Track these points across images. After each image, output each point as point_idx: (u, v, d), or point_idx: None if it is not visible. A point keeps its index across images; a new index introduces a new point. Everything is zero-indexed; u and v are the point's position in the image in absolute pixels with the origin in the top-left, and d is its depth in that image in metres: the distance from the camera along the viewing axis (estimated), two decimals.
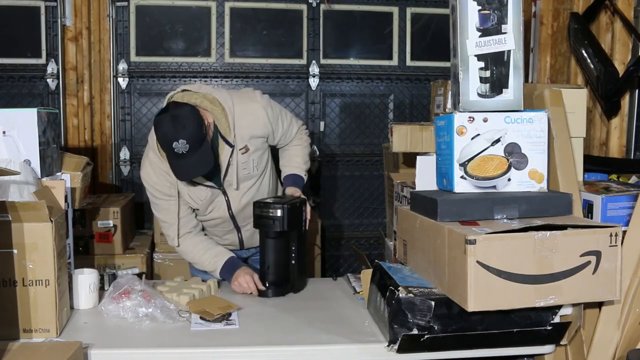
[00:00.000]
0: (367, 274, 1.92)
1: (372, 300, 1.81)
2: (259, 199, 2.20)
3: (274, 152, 2.40)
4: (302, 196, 2.20)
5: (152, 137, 2.12)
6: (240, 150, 2.11)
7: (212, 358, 1.63)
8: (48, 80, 3.34)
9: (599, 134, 2.73)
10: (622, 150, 2.65)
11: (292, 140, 2.32)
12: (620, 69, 2.55)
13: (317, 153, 3.61)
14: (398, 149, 2.19)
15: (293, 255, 2.08)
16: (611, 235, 1.50)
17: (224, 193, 2.16)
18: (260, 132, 2.15)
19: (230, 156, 2.10)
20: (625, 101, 2.62)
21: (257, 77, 3.51)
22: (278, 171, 2.37)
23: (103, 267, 2.72)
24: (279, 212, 2.00)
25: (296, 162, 2.31)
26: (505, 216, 1.63)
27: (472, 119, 1.69)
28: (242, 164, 2.13)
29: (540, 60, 3.25)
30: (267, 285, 2.08)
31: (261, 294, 2.04)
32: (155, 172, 2.11)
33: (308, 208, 2.15)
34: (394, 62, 3.61)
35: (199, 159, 1.94)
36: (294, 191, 2.23)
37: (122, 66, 3.42)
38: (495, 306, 1.47)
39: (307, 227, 2.14)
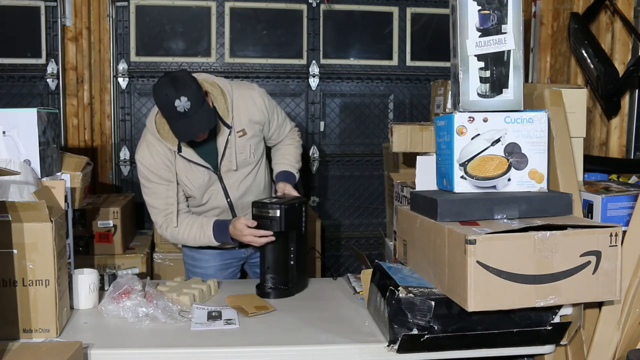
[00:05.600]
0: (367, 274, 1.92)
1: (372, 300, 1.81)
2: (255, 195, 2.23)
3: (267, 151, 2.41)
4: (294, 192, 2.22)
5: (150, 120, 2.16)
6: (237, 132, 2.15)
7: (212, 358, 1.63)
8: (48, 80, 3.34)
9: (599, 134, 2.73)
10: (622, 150, 2.65)
11: (284, 139, 2.34)
12: (620, 69, 2.55)
13: (317, 153, 3.61)
14: (398, 149, 2.19)
15: (292, 255, 2.08)
16: (611, 235, 1.50)
17: (220, 180, 2.18)
18: (258, 117, 2.20)
19: (228, 138, 2.13)
20: (625, 101, 2.62)
21: (257, 77, 3.51)
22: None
23: (103, 267, 2.72)
24: (277, 213, 2.00)
25: (288, 160, 2.34)
26: (505, 216, 1.63)
27: (472, 119, 1.69)
28: (240, 147, 2.17)
29: (540, 60, 3.25)
30: (267, 285, 2.09)
31: (262, 295, 2.05)
32: (152, 154, 2.14)
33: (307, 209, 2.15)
34: (394, 62, 3.61)
35: (201, 116, 1.97)
36: (283, 186, 2.24)
37: (122, 66, 3.42)
38: (495, 306, 1.47)
39: (306, 228, 2.14)
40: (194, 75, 2.13)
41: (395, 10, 3.58)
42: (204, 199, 2.22)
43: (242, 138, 2.17)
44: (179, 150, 2.12)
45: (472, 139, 1.69)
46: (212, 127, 2.04)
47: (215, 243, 2.21)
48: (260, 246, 2.11)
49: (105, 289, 1.97)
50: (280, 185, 2.26)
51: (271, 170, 2.41)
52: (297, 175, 2.34)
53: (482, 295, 1.45)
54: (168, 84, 1.94)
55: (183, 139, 2.06)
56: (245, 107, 2.17)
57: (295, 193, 2.23)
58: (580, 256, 1.49)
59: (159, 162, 2.14)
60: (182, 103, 1.91)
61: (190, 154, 2.14)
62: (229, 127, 2.14)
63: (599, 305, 1.66)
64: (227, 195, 2.21)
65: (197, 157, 2.14)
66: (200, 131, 2.02)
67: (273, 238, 2.06)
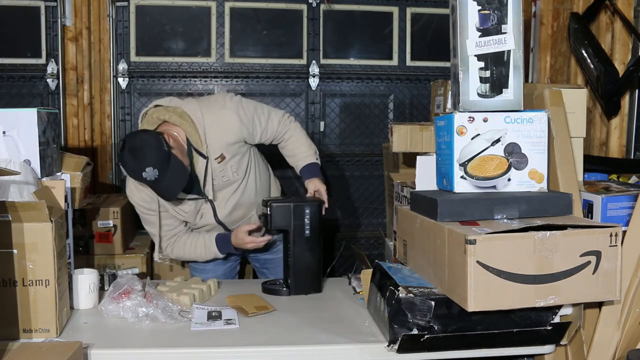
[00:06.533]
0: (367, 274, 1.92)
1: (372, 300, 1.81)
2: (245, 208, 2.26)
3: (265, 149, 2.40)
4: (322, 191, 2.22)
5: None
6: (216, 159, 2.13)
7: (212, 358, 1.63)
8: (48, 80, 3.34)
9: (599, 134, 2.73)
10: (622, 150, 2.65)
11: (280, 134, 2.29)
12: (620, 69, 2.55)
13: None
14: (398, 149, 2.19)
15: (290, 256, 2.08)
16: (611, 235, 1.50)
17: (207, 201, 2.19)
18: (234, 138, 2.14)
19: (206, 167, 2.12)
20: (625, 101, 2.62)
21: (257, 77, 3.51)
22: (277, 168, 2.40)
23: (103, 267, 2.71)
24: (267, 211, 2.06)
25: (301, 152, 2.31)
26: (505, 216, 1.63)
27: (472, 119, 1.69)
28: (220, 172, 2.15)
29: (540, 60, 3.25)
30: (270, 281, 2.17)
31: (263, 290, 2.09)
32: (138, 189, 2.18)
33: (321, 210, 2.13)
34: (394, 62, 3.61)
35: (173, 176, 1.98)
36: (313, 186, 2.24)
37: (122, 66, 3.42)
38: (495, 306, 1.47)
39: (314, 231, 2.09)
40: (165, 104, 2.13)
41: (395, 10, 3.58)
42: (197, 220, 2.25)
43: (222, 163, 2.14)
44: None
45: (472, 139, 1.69)
46: (187, 180, 2.05)
47: (221, 256, 2.26)
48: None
49: (105, 289, 1.97)
50: (310, 185, 2.26)
51: (268, 168, 2.42)
52: (318, 160, 2.32)
53: (482, 295, 1.45)
54: (130, 159, 1.95)
55: (167, 200, 2.10)
56: (219, 133, 2.11)
57: (324, 194, 2.23)
58: (580, 256, 1.49)
59: (145, 196, 2.18)
60: (149, 174, 1.93)
61: None
62: (204, 157, 2.12)
63: (599, 305, 1.66)
64: (215, 214, 2.22)
65: (181, 193, 2.13)
66: (178, 191, 2.04)
67: (273, 237, 2.12)
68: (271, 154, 2.51)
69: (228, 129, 2.13)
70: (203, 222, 2.25)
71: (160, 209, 2.19)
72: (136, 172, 1.95)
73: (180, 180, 2.01)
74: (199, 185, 2.16)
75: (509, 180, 1.71)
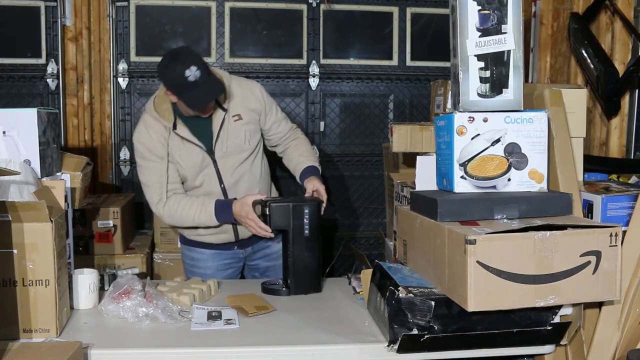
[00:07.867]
0: (367, 274, 1.92)
1: (372, 300, 1.81)
2: (250, 185, 2.26)
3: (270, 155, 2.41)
4: (322, 191, 2.22)
5: (149, 103, 2.24)
6: (233, 117, 2.20)
7: (212, 358, 1.63)
8: (48, 80, 3.34)
9: (599, 134, 2.73)
10: (622, 150, 2.65)
11: (288, 140, 2.36)
12: (620, 69, 2.55)
13: (317, 153, 3.61)
14: (398, 149, 2.19)
15: (289, 256, 2.08)
16: (611, 235, 1.50)
17: (215, 163, 2.19)
18: (254, 105, 2.24)
19: (223, 120, 2.18)
20: (625, 101, 2.62)
21: (257, 77, 3.51)
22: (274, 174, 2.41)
23: (103, 267, 2.72)
24: (266, 211, 2.06)
25: (305, 156, 2.35)
26: (505, 216, 1.63)
27: (472, 119, 1.69)
28: (235, 131, 2.20)
29: (540, 60, 3.25)
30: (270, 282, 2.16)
31: (263, 291, 2.08)
32: (149, 131, 2.18)
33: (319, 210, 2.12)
34: (394, 62, 3.61)
35: (213, 83, 2.05)
36: (310, 183, 2.24)
37: (122, 66, 3.42)
38: (495, 306, 1.47)
39: (314, 231, 2.08)
40: None
41: (395, 10, 3.58)
42: (198, 182, 2.22)
43: (238, 122, 2.21)
44: (174, 127, 2.17)
45: (472, 139, 1.69)
46: (223, 92, 2.13)
47: (215, 222, 2.19)
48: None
49: (105, 289, 1.97)
50: (308, 185, 2.25)
51: (270, 165, 2.42)
52: (319, 167, 2.36)
53: (482, 295, 1.45)
54: (173, 59, 2.00)
55: (199, 107, 2.09)
56: (242, 94, 2.23)
57: (323, 193, 2.22)
58: (580, 256, 1.49)
59: (155, 138, 2.18)
60: (192, 72, 1.97)
61: (184, 132, 2.18)
62: (224, 109, 2.19)
63: (599, 305, 1.66)
64: (220, 181, 2.23)
65: (191, 136, 2.18)
66: (214, 96, 2.09)
67: (272, 235, 2.11)
68: (272, 155, 2.51)
69: (251, 95, 2.25)
70: (206, 188, 2.23)
71: (168, 158, 2.19)
72: (178, 71, 1.97)
73: (218, 88, 2.08)
74: (210, 139, 2.19)
75: (509, 180, 1.71)
